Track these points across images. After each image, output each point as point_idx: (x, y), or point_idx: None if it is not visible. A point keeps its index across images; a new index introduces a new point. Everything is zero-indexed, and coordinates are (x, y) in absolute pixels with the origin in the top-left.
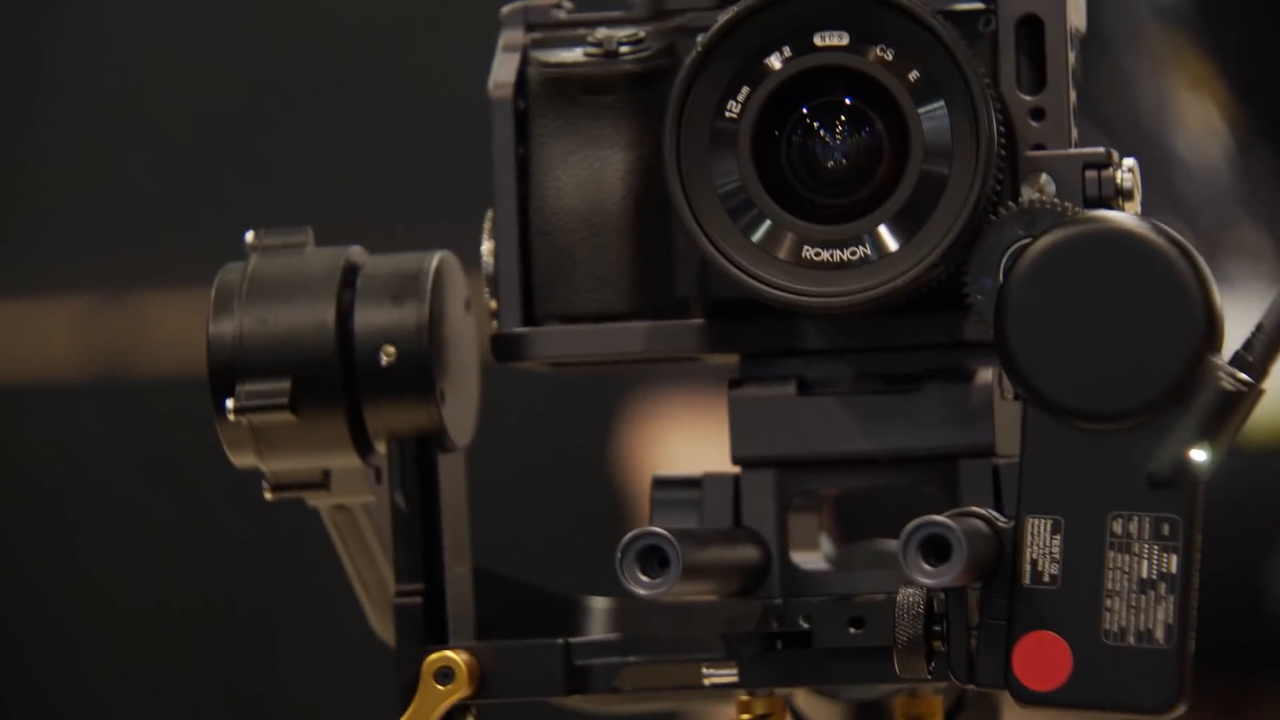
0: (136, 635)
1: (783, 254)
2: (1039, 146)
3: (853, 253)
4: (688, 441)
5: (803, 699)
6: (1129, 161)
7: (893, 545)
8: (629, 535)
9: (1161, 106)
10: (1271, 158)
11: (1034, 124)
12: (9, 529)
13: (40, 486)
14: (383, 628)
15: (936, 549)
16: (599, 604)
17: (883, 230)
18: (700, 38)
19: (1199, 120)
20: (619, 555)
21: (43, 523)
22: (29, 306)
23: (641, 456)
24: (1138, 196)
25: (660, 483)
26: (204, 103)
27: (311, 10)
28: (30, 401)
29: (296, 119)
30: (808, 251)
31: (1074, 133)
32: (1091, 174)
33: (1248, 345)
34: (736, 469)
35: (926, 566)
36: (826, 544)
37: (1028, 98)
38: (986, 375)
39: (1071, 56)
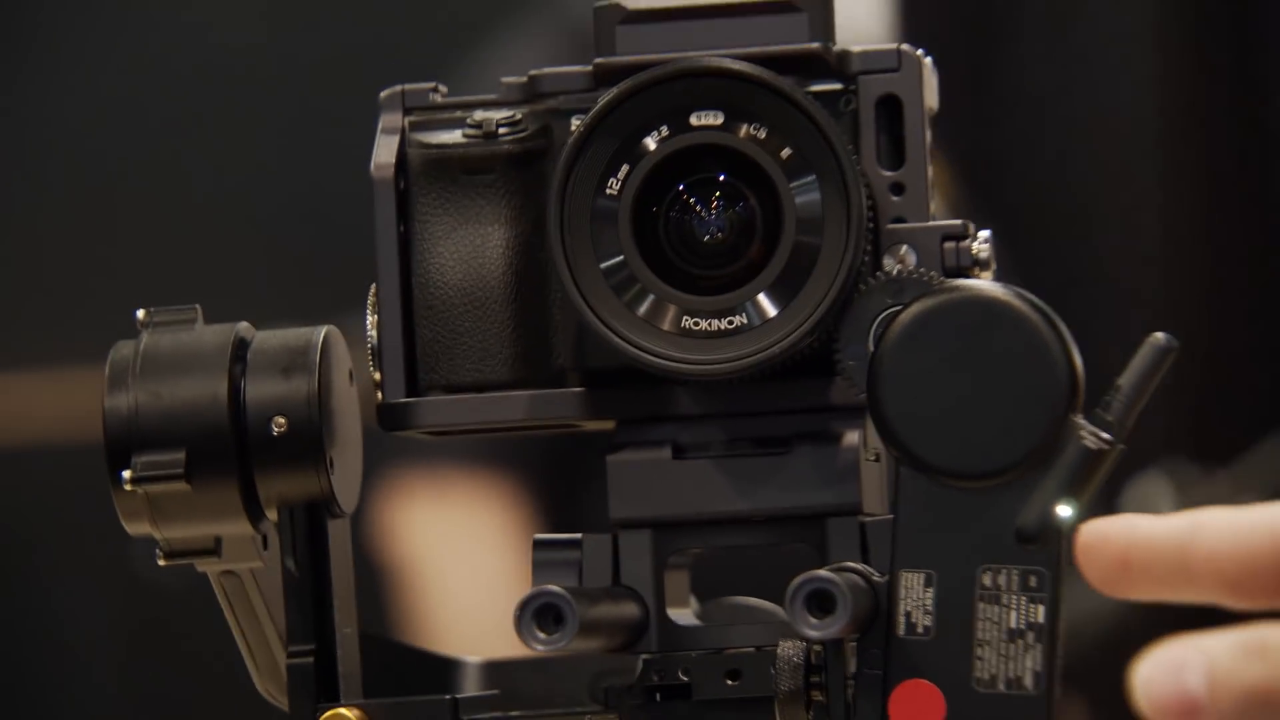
0: None
1: (666, 325)
2: (899, 220)
3: (730, 322)
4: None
5: None
6: (984, 233)
7: (752, 601)
8: (528, 594)
9: None
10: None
11: (894, 198)
12: None
13: None
14: (266, 689)
15: (821, 603)
16: (472, 662)
17: (761, 299)
18: (579, 119)
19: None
20: (517, 613)
21: None
22: None
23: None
24: (993, 266)
25: (540, 544)
26: (88, 182)
27: (197, 92)
28: None
29: (176, 198)
30: (688, 322)
31: (931, 206)
32: (950, 245)
33: (1106, 405)
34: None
35: (813, 620)
36: (693, 601)
37: (888, 173)
38: (853, 437)
39: (927, 134)
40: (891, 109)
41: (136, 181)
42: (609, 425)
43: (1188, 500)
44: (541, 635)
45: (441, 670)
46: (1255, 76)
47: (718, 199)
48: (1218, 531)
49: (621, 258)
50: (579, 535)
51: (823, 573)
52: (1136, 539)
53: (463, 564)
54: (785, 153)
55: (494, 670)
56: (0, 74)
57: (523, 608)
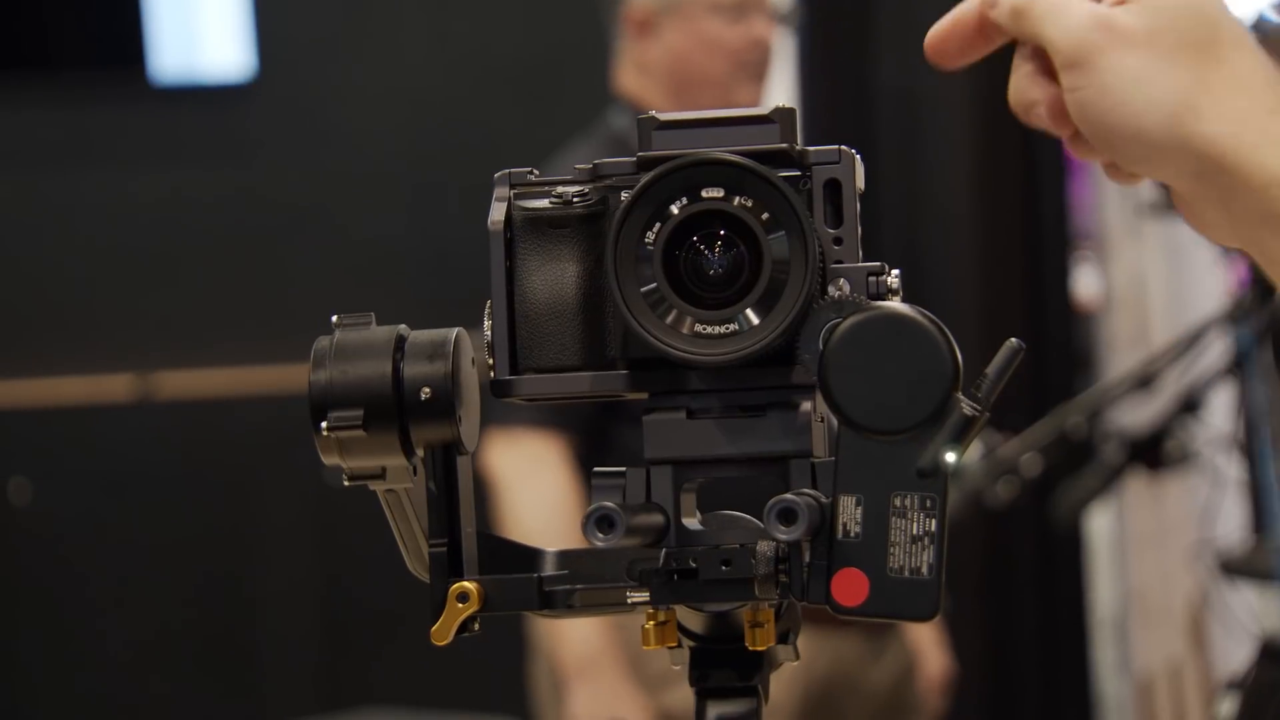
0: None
1: (684, 329)
2: (839, 261)
3: (727, 328)
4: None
5: (681, 612)
6: (895, 270)
7: (737, 515)
8: (591, 507)
9: None
10: None
11: (836, 247)
12: None
13: None
14: (416, 570)
15: (787, 516)
16: (550, 552)
17: (749, 313)
18: (627, 193)
19: None
20: (584, 520)
21: None
22: None
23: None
24: (901, 292)
25: (598, 474)
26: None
27: (381, 167)
28: None
29: (367, 242)
30: (699, 328)
31: (860, 252)
32: (873, 279)
33: (977, 385)
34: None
35: (781, 527)
36: (699, 514)
37: (831, 230)
38: (807, 406)
39: (857, 205)
40: (834, 187)
41: (341, 230)
42: (644, 396)
43: (992, 456)
44: (600, 535)
45: (530, 558)
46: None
47: (719, 246)
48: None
49: (655, 285)
50: (624, 469)
51: (789, 495)
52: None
53: (530, 490)
54: (764, 216)
55: (564, 558)
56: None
57: (587, 516)
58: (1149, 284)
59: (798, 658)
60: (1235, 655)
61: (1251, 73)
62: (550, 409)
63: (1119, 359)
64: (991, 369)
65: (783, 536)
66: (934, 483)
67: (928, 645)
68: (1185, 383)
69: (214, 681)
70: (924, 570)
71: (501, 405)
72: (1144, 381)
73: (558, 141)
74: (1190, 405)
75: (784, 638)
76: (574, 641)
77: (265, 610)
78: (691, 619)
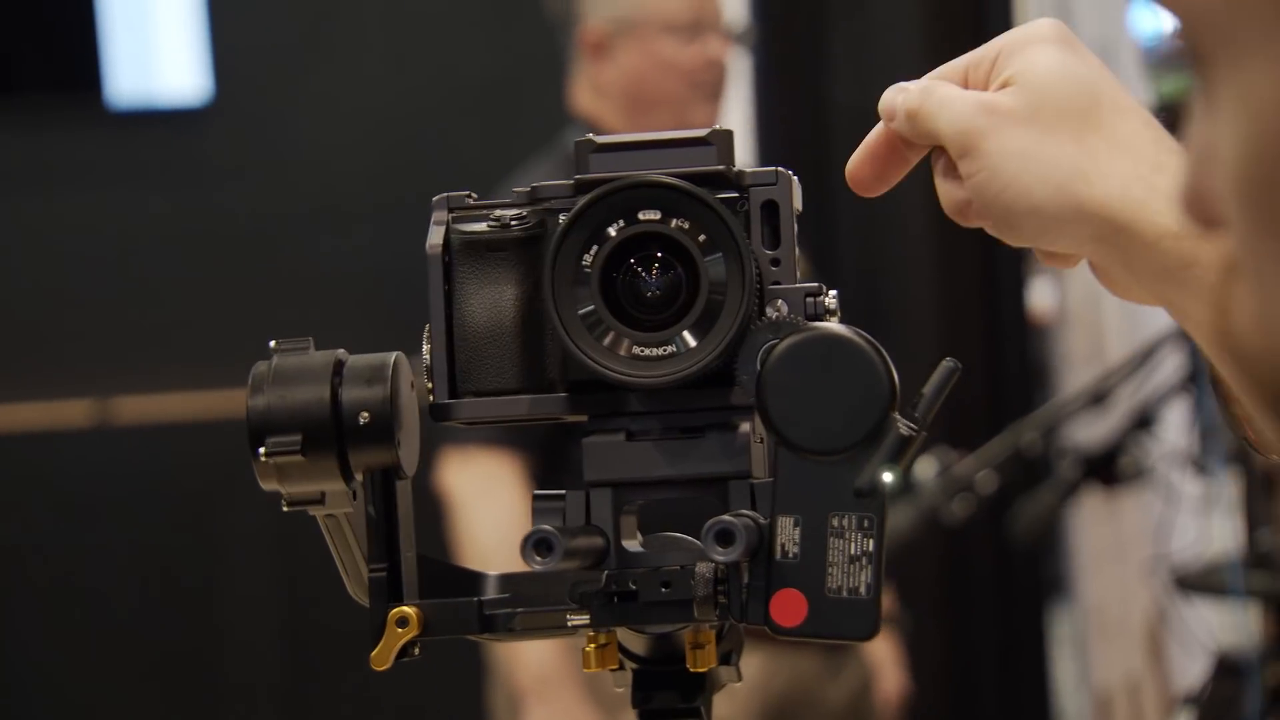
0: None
1: (621, 351)
2: (776, 282)
3: (665, 350)
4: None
5: (622, 634)
6: (833, 291)
7: (677, 537)
8: (529, 531)
9: None
10: None
11: (773, 268)
12: None
13: None
14: (356, 595)
15: (725, 537)
16: (493, 576)
17: (685, 335)
18: (564, 216)
19: None
20: (522, 544)
21: None
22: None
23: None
24: (839, 313)
25: (538, 497)
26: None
27: (323, 186)
28: None
29: (303, 263)
30: (637, 350)
31: (797, 273)
32: (810, 299)
33: (914, 405)
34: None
35: (719, 549)
36: (640, 536)
37: (769, 251)
38: (746, 427)
39: (794, 226)
40: (771, 209)
41: (299, 253)
42: (584, 419)
43: (947, 473)
44: (538, 558)
45: (472, 581)
46: None
47: (656, 268)
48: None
49: (592, 307)
50: (563, 491)
51: (726, 517)
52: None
53: (484, 508)
54: (701, 238)
55: (507, 581)
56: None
57: (525, 540)
58: (1103, 299)
59: (740, 679)
60: (1192, 670)
61: (1135, 134)
62: (505, 427)
63: (1074, 375)
64: (928, 388)
65: (720, 558)
66: (872, 503)
67: (884, 663)
68: (1139, 399)
69: (176, 706)
70: (862, 590)
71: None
72: (1098, 398)
73: (516, 161)
74: (1144, 421)
75: (726, 659)
76: (530, 663)
77: (227, 633)
78: (633, 641)
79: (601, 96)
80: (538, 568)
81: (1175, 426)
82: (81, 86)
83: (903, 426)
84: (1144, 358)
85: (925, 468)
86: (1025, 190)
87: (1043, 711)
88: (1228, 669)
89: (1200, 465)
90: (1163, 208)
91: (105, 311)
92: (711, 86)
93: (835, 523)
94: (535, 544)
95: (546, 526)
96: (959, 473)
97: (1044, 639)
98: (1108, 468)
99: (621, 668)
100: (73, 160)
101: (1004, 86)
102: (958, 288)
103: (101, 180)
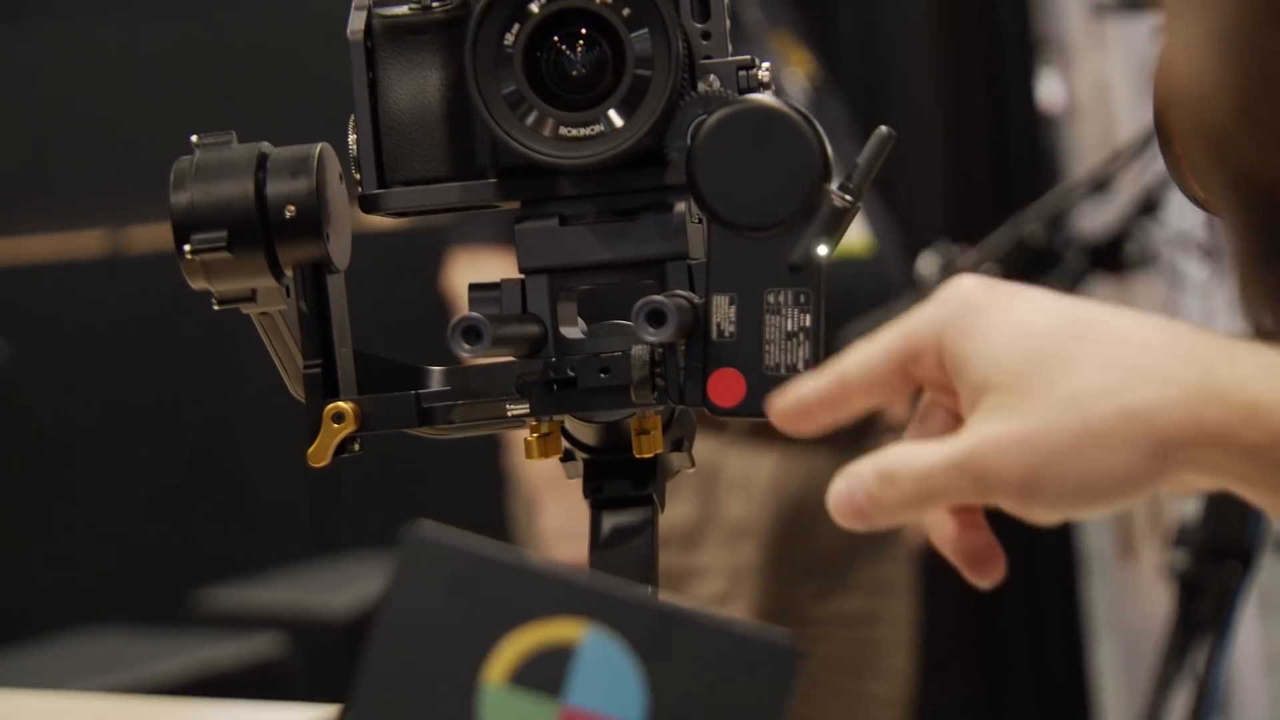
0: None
1: (546, 132)
2: (708, 57)
3: (591, 130)
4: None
5: (570, 423)
6: (766, 64)
7: (623, 324)
8: (455, 318)
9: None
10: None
11: (704, 42)
12: None
13: None
14: (296, 392)
15: (655, 318)
16: (437, 371)
17: (612, 114)
18: None
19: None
20: (449, 331)
21: None
22: None
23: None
24: (773, 86)
25: (474, 286)
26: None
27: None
28: None
29: (232, 59)
30: (563, 130)
31: (730, 47)
32: (743, 73)
33: (848, 177)
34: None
35: (651, 329)
36: (581, 324)
37: (699, 25)
38: (681, 207)
39: None
40: None
41: (308, 76)
42: (515, 205)
43: (949, 267)
44: (466, 346)
45: (414, 375)
46: None
47: (581, 45)
48: (854, 360)
49: (515, 86)
50: (499, 279)
51: (657, 297)
52: (807, 390)
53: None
54: (626, 12)
55: (452, 374)
56: None
57: (453, 328)
58: (1112, 89)
59: (694, 465)
60: None
61: (1126, 340)
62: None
63: (1084, 167)
64: (862, 158)
65: (651, 338)
66: (807, 277)
67: None
68: (1142, 184)
69: (200, 534)
70: (800, 366)
71: (466, 222)
72: (1100, 184)
73: None
74: (1148, 207)
75: (678, 445)
76: (541, 465)
77: (248, 461)
78: (583, 431)
79: None
80: (466, 357)
81: (1179, 211)
82: None
83: (836, 198)
84: (1144, 142)
85: (928, 263)
86: (1112, 467)
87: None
88: None
89: (1206, 248)
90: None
91: (117, 139)
92: None
93: (771, 299)
94: (463, 332)
95: (474, 314)
96: (962, 266)
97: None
98: (1113, 255)
99: (571, 458)
100: None
101: (976, 402)
102: (963, 80)
103: (112, 7)
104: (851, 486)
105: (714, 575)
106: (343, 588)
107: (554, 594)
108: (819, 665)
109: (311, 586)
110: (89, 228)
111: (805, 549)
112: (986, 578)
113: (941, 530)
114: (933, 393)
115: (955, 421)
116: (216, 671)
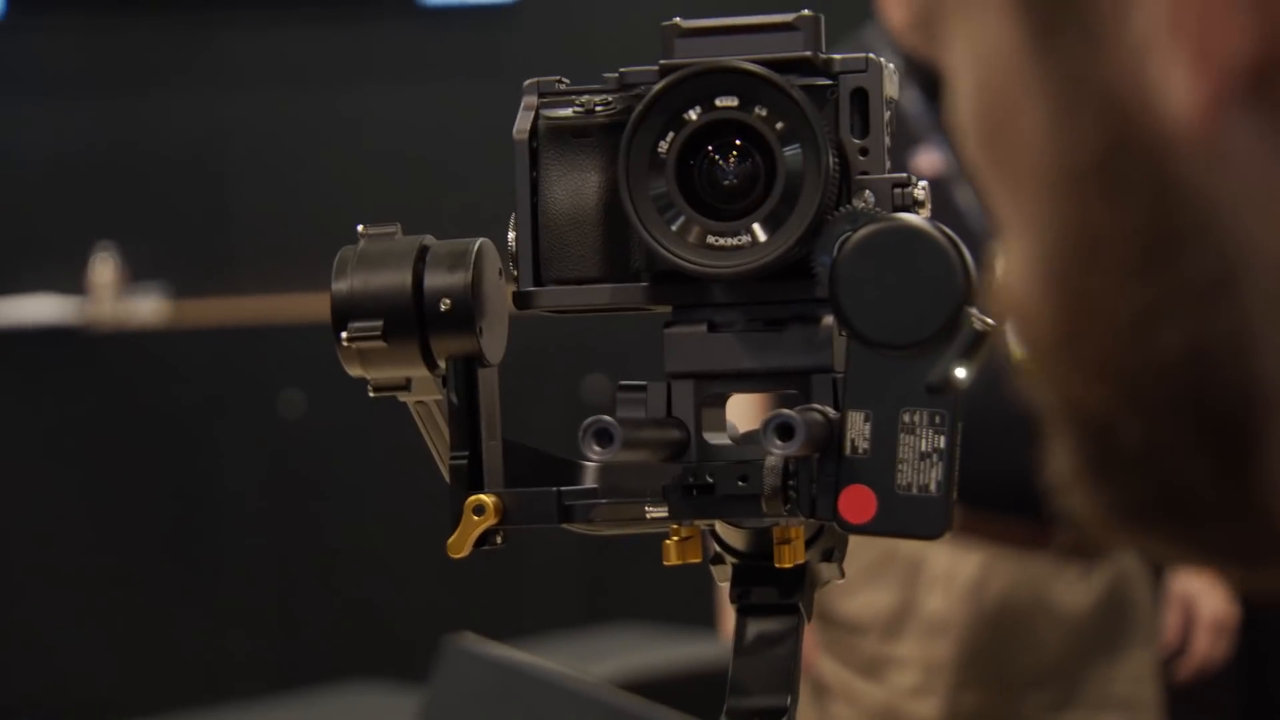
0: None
1: (692, 239)
2: (864, 172)
3: (738, 240)
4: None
5: (719, 527)
6: (922, 182)
7: None
8: (587, 420)
9: None
10: None
11: (861, 158)
12: None
13: None
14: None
15: (783, 431)
16: (591, 467)
17: (755, 227)
18: (641, 101)
19: None
20: (580, 433)
21: None
22: None
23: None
24: (929, 205)
25: (621, 387)
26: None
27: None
28: None
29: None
30: (711, 239)
31: (887, 163)
32: (898, 190)
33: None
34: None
35: (779, 442)
36: (732, 428)
37: (858, 140)
38: (829, 320)
39: (886, 114)
40: (861, 96)
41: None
42: (667, 309)
43: None
44: (597, 449)
45: (567, 471)
46: None
47: (734, 156)
48: None
49: (667, 194)
50: (645, 383)
51: (786, 410)
52: None
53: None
54: (779, 126)
55: (605, 472)
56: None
57: (584, 430)
58: None
59: (843, 576)
60: None
61: None
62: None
63: None
64: None
65: (778, 451)
66: (944, 399)
67: (1198, 587)
68: None
69: (474, 594)
70: (932, 488)
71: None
72: None
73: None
74: None
75: (828, 555)
76: None
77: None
78: (733, 536)
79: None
80: (595, 459)
81: None
82: None
83: (977, 321)
84: None
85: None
86: None
87: None
88: None
89: None
90: None
91: (407, 202)
92: None
93: (906, 419)
94: (595, 434)
95: (606, 417)
96: None
97: None
98: None
99: (720, 561)
100: (386, 54)
101: None
102: None
103: (414, 73)
104: None
105: (909, 667)
106: (608, 656)
107: (582, 710)
108: None
109: (579, 654)
110: None
111: (1024, 655)
112: None
113: None
114: None
115: None
116: None
